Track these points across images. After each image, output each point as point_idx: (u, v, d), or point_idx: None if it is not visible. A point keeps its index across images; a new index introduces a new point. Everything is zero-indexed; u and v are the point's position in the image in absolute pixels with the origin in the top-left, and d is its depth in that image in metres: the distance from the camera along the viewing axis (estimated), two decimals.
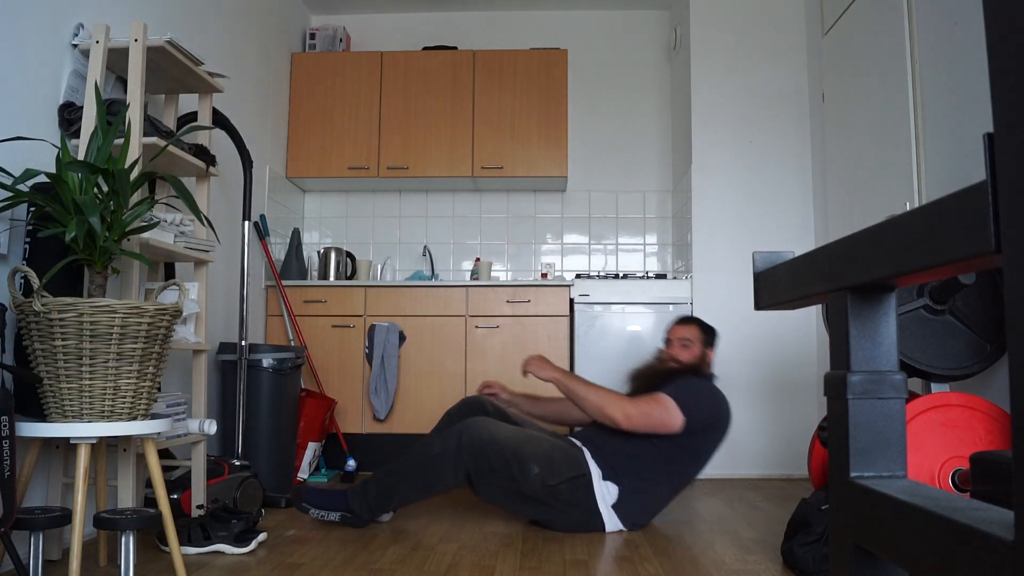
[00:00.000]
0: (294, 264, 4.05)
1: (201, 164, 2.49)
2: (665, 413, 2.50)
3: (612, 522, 2.57)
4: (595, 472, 2.57)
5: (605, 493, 2.56)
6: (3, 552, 1.77)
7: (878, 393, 0.78)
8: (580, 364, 3.83)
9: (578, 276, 3.99)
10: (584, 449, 2.61)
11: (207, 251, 2.49)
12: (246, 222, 3.27)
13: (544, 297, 3.92)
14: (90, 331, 1.74)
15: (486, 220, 4.62)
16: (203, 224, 2.36)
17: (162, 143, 2.22)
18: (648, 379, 2.71)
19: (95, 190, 1.87)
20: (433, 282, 3.96)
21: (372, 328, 3.89)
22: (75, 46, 2.31)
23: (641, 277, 3.96)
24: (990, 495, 1.45)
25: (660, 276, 3.99)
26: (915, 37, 2.75)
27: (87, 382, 1.76)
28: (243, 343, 3.17)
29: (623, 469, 2.57)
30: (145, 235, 2.12)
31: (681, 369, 2.69)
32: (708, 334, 2.78)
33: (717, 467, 3.40)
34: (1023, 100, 0.49)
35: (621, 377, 3.87)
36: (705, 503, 3.12)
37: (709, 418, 2.56)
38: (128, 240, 2.06)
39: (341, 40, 4.49)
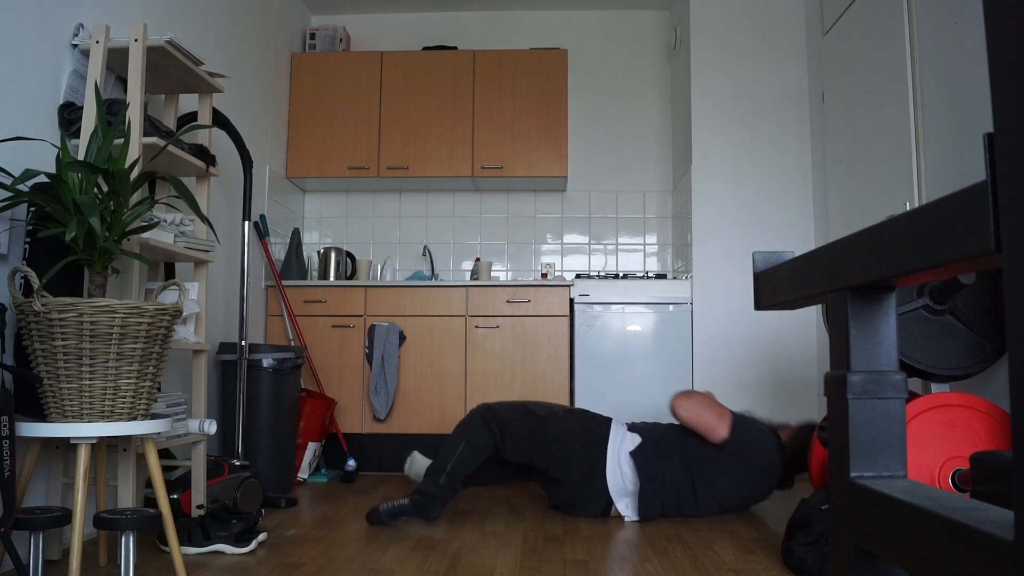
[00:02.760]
0: (294, 264, 4.05)
1: (201, 164, 2.49)
2: (718, 419, 2.69)
3: (617, 473, 2.72)
4: (618, 428, 2.82)
5: (625, 440, 2.77)
6: (3, 552, 1.77)
7: (878, 393, 0.78)
8: (580, 364, 3.83)
9: (578, 276, 3.99)
10: (615, 424, 2.86)
11: (207, 251, 2.49)
12: (246, 222, 3.27)
13: (544, 297, 3.92)
14: (90, 331, 1.74)
15: (486, 220, 4.62)
16: (203, 224, 2.36)
17: (162, 143, 2.22)
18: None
19: (95, 190, 1.88)
20: (433, 282, 3.96)
21: (372, 328, 3.88)
22: (75, 46, 2.31)
23: (641, 277, 3.96)
24: (990, 495, 1.45)
25: (660, 276, 3.99)
26: (915, 37, 2.75)
27: (87, 382, 1.76)
28: (243, 343, 3.17)
29: (650, 432, 2.80)
30: (145, 235, 2.12)
31: (768, 428, 2.85)
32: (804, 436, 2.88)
33: None
34: (1023, 100, 0.49)
35: (621, 376, 3.91)
36: None
37: (749, 451, 2.69)
38: (128, 240, 2.06)
39: (341, 40, 4.49)
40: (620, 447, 2.76)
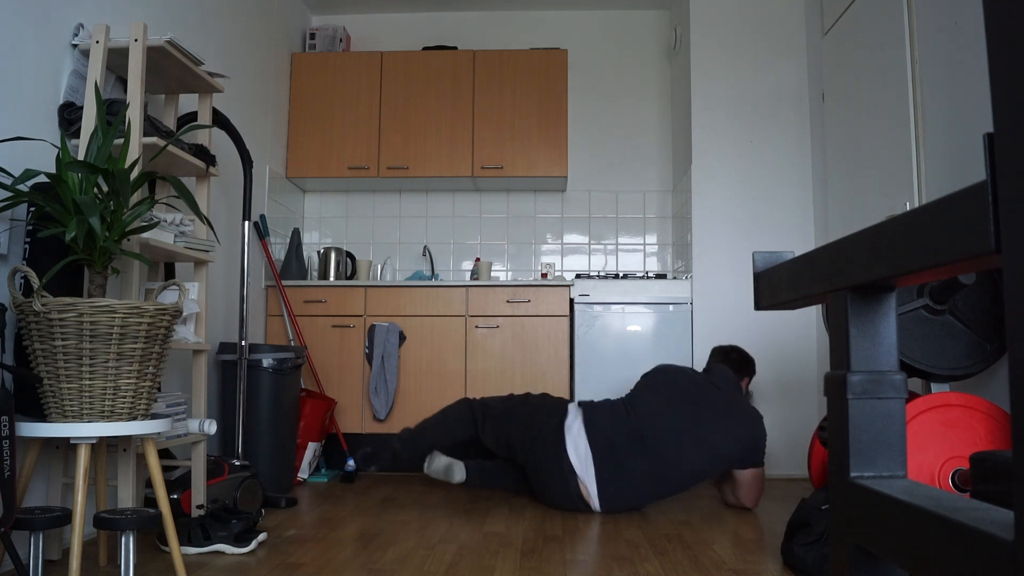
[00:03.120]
0: (294, 264, 4.05)
1: (201, 164, 2.49)
2: None
3: (571, 439, 2.87)
4: (574, 404, 3.09)
5: (574, 410, 3.01)
6: (3, 552, 1.77)
7: (878, 393, 0.78)
8: (580, 364, 3.83)
9: (578, 276, 3.99)
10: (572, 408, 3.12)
11: (207, 251, 2.49)
12: (246, 222, 3.27)
13: (544, 297, 3.92)
14: (90, 331, 1.74)
15: (486, 220, 4.62)
16: (203, 224, 2.36)
17: (162, 143, 2.22)
18: None
19: (95, 190, 1.88)
20: (433, 282, 3.96)
21: (372, 328, 3.88)
22: (75, 46, 2.31)
23: (641, 277, 3.96)
24: (990, 495, 1.45)
25: (660, 276, 3.99)
26: (915, 37, 2.75)
27: (87, 382, 1.76)
28: (243, 343, 3.17)
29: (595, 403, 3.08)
30: (145, 235, 2.12)
31: None
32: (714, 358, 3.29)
33: None
34: (1023, 100, 0.49)
35: (621, 376, 3.93)
36: (705, 503, 3.12)
37: (647, 375, 3.12)
38: (128, 240, 2.06)
39: (341, 40, 4.49)
40: (574, 417, 2.97)
